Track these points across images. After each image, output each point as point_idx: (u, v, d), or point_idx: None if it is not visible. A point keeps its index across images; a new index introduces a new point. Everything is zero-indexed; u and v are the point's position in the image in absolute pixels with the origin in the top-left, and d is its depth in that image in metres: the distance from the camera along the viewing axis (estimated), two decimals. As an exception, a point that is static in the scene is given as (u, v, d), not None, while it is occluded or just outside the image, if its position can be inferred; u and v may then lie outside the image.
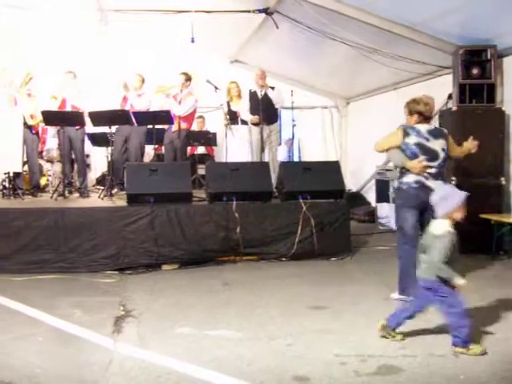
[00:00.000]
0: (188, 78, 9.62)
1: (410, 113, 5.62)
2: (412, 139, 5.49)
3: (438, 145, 5.52)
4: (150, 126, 9.90)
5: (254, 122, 9.09)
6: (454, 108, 7.82)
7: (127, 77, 9.62)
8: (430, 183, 5.37)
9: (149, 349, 4.27)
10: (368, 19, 7.96)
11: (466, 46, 7.83)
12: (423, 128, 5.54)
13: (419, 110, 5.55)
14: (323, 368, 3.86)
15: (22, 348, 4.30)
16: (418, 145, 5.48)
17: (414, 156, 5.48)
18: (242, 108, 9.39)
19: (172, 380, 3.69)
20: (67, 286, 6.29)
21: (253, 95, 9.07)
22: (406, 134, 5.52)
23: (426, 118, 5.58)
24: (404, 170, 5.57)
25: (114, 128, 8.96)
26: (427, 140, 5.50)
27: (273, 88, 9.09)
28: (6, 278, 6.47)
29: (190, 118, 9.75)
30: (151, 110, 9.42)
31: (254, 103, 8.97)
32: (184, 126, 9.42)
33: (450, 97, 8.30)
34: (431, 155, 5.49)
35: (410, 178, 5.52)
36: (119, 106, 9.42)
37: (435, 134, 5.56)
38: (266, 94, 8.96)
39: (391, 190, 5.95)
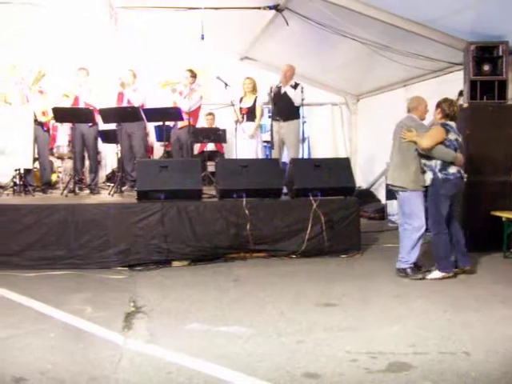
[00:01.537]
0: (193, 75, 9.63)
1: (437, 106, 6.38)
2: (452, 135, 6.21)
3: (461, 139, 6.37)
4: (157, 123, 9.97)
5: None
6: (465, 105, 7.77)
7: (122, 74, 9.62)
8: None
9: (159, 345, 4.27)
10: (378, 16, 7.92)
11: (477, 43, 7.76)
12: (453, 125, 6.30)
13: (442, 108, 6.31)
14: (334, 365, 3.85)
15: (34, 343, 4.31)
16: (456, 140, 6.26)
17: (455, 150, 6.21)
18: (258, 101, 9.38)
19: (183, 376, 3.68)
20: (78, 282, 6.31)
21: (276, 90, 9.03)
22: (446, 130, 6.20)
23: (447, 115, 6.29)
24: (447, 163, 6.17)
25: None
26: (458, 135, 6.30)
27: (295, 86, 9.02)
28: (17, 273, 6.50)
29: (195, 113, 9.75)
30: (158, 104, 9.42)
31: (273, 98, 8.95)
32: (190, 121, 9.43)
33: (460, 93, 8.24)
34: (461, 149, 6.34)
35: (454, 169, 6.20)
36: (115, 103, 9.42)
37: (459, 130, 6.36)
38: (285, 91, 8.95)
39: (428, 182, 6.28)
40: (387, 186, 6.74)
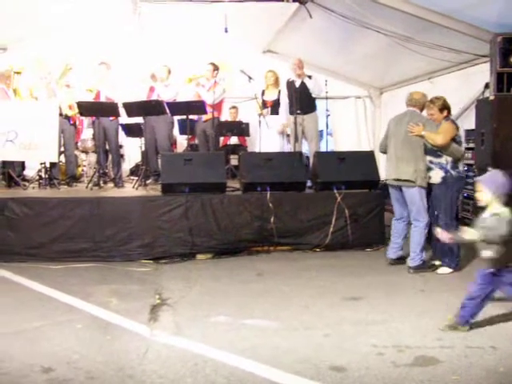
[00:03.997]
0: (216, 68, 9.67)
1: (442, 109, 6.27)
2: (458, 131, 6.29)
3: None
4: (181, 117, 10.00)
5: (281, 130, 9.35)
6: (492, 97, 7.66)
7: (155, 67, 9.66)
8: None
9: (185, 337, 4.30)
10: (403, 7, 7.84)
11: (503, 34, 7.64)
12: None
13: (449, 107, 6.31)
14: (360, 358, 3.84)
15: (61, 334, 4.37)
16: (460, 136, 6.32)
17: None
18: (281, 108, 9.40)
19: (209, 368, 3.70)
20: (103, 274, 6.37)
21: (290, 85, 9.01)
22: (456, 126, 6.25)
23: (449, 111, 6.34)
24: (456, 160, 6.20)
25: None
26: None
27: (310, 77, 8.98)
28: (44, 266, 6.59)
29: (218, 106, 9.77)
30: (183, 99, 9.44)
31: (291, 93, 8.91)
32: (214, 114, 9.45)
33: (486, 86, 8.15)
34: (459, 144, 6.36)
35: (461, 166, 6.34)
36: (146, 97, 9.47)
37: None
38: (302, 83, 8.89)
39: (439, 180, 6.24)
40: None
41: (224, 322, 4.68)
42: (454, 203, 6.29)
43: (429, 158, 6.26)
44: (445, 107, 6.28)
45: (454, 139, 6.14)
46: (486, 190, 4.25)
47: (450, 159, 6.16)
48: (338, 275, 6.27)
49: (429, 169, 6.27)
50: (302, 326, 4.56)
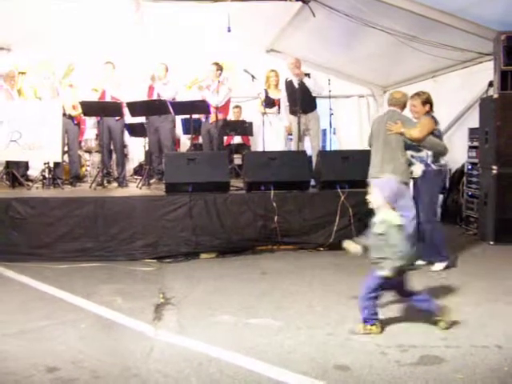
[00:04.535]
0: (219, 68, 9.64)
1: (425, 103, 6.28)
2: (438, 126, 6.32)
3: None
4: (184, 116, 10.00)
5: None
6: (496, 96, 7.65)
7: (153, 67, 9.66)
8: None
9: (189, 336, 4.30)
10: (406, 5, 7.84)
11: (507, 32, 7.63)
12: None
13: (432, 103, 6.33)
14: (364, 357, 3.84)
15: (66, 334, 4.37)
16: (439, 131, 6.36)
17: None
18: (281, 110, 9.44)
19: (213, 367, 3.70)
20: (107, 273, 6.37)
21: (289, 84, 8.99)
22: (436, 121, 6.25)
23: (431, 107, 6.32)
24: (437, 154, 6.23)
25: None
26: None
27: (308, 75, 8.96)
28: (48, 265, 6.59)
29: (225, 107, 9.77)
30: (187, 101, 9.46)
31: (291, 92, 8.90)
32: (220, 116, 9.45)
33: (490, 84, 8.14)
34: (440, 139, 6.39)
35: (443, 160, 6.33)
36: (146, 96, 9.47)
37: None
38: (302, 83, 8.86)
39: (419, 173, 6.28)
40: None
41: (228, 321, 4.68)
42: (433, 197, 6.41)
43: (410, 152, 6.32)
44: (428, 102, 6.33)
45: (433, 133, 6.17)
46: (379, 194, 4.43)
47: (430, 153, 6.23)
48: (341, 274, 6.26)
49: (410, 164, 6.34)
50: (306, 325, 4.55)
